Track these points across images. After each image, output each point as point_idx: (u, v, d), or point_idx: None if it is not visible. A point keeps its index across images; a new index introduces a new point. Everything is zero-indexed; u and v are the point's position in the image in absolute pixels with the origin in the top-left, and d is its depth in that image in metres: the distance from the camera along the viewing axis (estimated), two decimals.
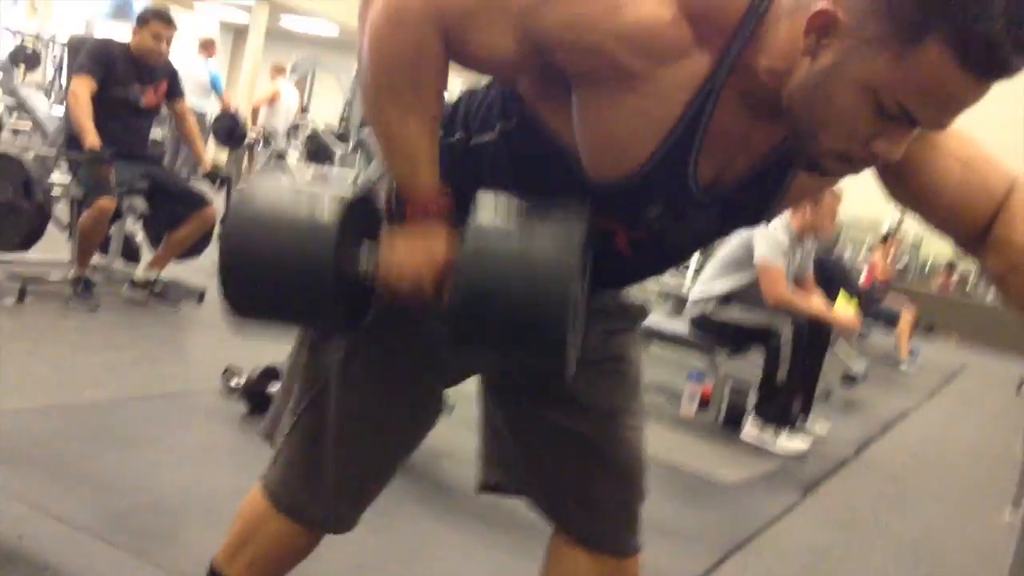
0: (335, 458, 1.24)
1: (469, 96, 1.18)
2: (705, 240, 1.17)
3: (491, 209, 1.01)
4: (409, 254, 1.05)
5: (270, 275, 1.05)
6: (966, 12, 0.83)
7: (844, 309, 4.30)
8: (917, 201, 1.13)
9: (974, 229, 1.10)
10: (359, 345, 1.21)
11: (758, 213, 1.13)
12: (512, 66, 1.02)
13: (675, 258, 1.23)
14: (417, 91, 1.03)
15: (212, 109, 8.95)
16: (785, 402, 4.01)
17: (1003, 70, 0.86)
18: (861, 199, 4.16)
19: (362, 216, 1.08)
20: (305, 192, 1.05)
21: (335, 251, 1.01)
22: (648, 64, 0.94)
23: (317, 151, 9.03)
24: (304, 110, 11.90)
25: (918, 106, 0.89)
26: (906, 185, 1.10)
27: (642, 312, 1.34)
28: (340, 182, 1.11)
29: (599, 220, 1.04)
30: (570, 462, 1.27)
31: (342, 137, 8.95)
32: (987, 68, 0.86)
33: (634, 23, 0.92)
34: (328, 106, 13.27)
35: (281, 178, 1.10)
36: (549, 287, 0.97)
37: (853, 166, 0.98)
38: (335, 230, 1.01)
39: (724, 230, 1.16)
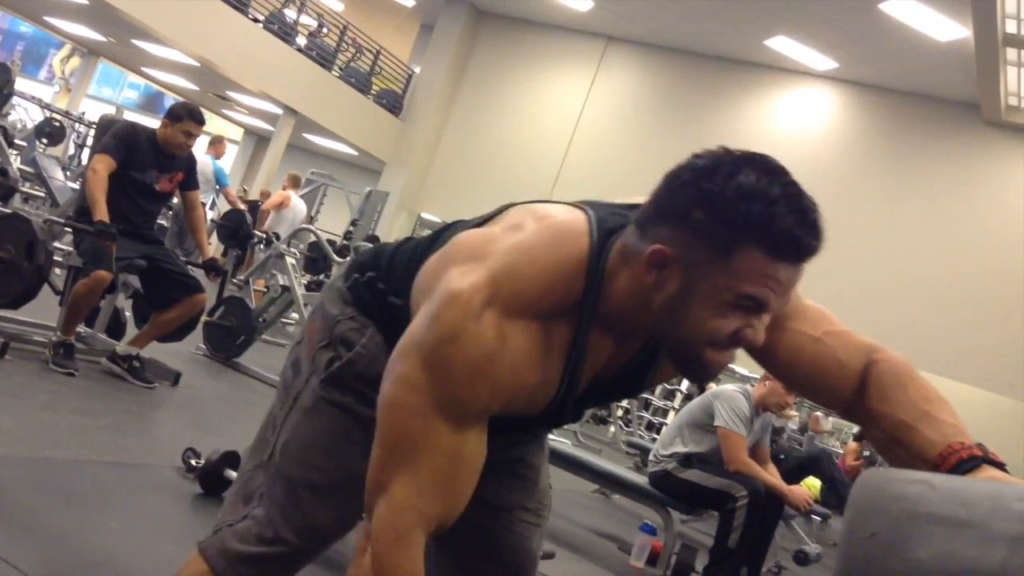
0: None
1: (396, 250, 1.36)
2: (597, 405, 1.39)
3: None
4: None
5: None
6: (761, 220, 1.03)
7: (802, 488, 4.39)
8: (781, 375, 1.31)
9: (839, 399, 1.25)
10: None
11: (632, 392, 1.35)
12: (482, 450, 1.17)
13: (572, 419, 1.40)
14: None
15: (217, 203, 9.26)
16: (734, 567, 4.04)
17: (807, 252, 1.06)
18: None
19: None
20: None
21: None
22: (535, 383, 1.14)
23: (316, 260, 9.22)
24: (311, 221, 12.20)
25: (759, 295, 1.06)
26: (768, 363, 1.27)
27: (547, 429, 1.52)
28: None
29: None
30: (466, 550, 1.42)
31: (341, 252, 9.16)
32: (795, 255, 1.06)
33: (522, 384, 1.12)
34: (334, 220, 13.61)
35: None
36: None
37: (727, 356, 1.12)
38: None
39: (607, 401, 1.40)
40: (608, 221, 1.16)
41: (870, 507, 0.83)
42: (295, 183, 10.96)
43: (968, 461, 1.09)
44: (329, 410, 1.34)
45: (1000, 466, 1.09)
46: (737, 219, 1.03)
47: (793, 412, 8.69)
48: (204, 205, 8.79)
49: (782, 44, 13.16)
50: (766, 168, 1.06)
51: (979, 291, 11.80)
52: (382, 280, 1.33)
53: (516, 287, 1.08)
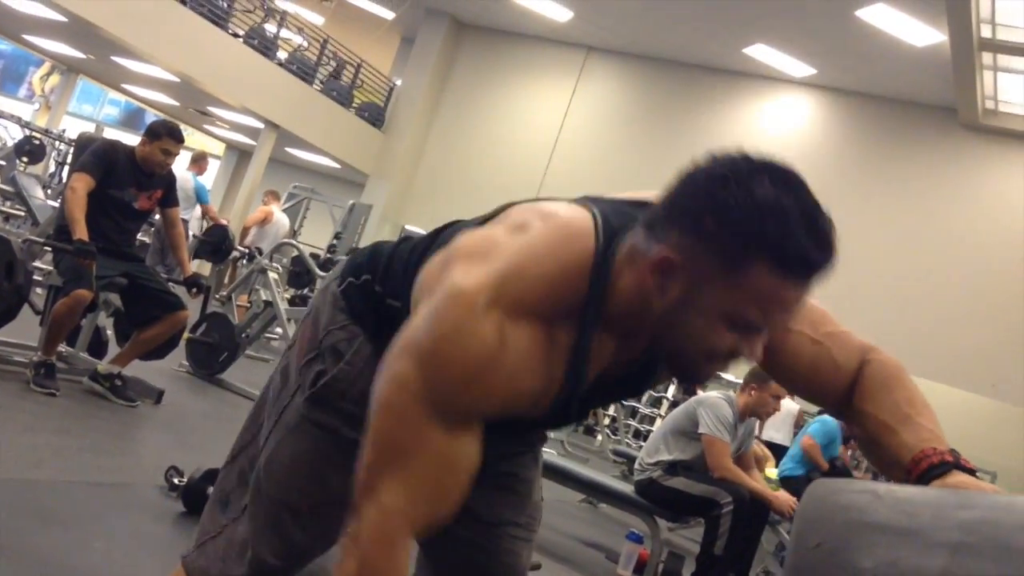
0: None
1: (394, 251, 1.34)
2: (604, 404, 1.37)
3: None
4: None
5: None
6: (774, 236, 1.00)
7: (787, 494, 4.41)
8: (778, 376, 1.31)
9: (833, 400, 1.27)
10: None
11: (638, 390, 1.34)
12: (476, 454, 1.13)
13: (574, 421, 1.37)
14: None
15: (196, 220, 9.24)
16: (721, 573, 4.05)
17: (817, 270, 1.04)
18: None
19: None
20: None
21: None
22: (534, 388, 1.11)
23: (299, 274, 9.21)
24: (295, 235, 12.19)
25: (759, 317, 1.05)
26: (767, 365, 1.27)
27: (543, 438, 1.49)
28: None
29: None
30: (457, 564, 1.41)
31: (324, 266, 9.15)
32: (805, 273, 1.04)
33: (519, 389, 1.09)
34: (318, 234, 13.59)
35: None
36: None
37: (723, 366, 1.12)
38: None
39: (613, 399, 1.38)
40: (613, 220, 1.13)
41: (817, 517, 0.84)
42: (276, 197, 10.95)
43: (939, 466, 1.11)
44: (312, 431, 1.32)
45: (971, 472, 1.11)
46: (749, 235, 1.01)
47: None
48: (186, 222, 8.79)
49: (760, 52, 13.25)
50: (783, 179, 1.04)
51: (957, 293, 11.90)
52: (379, 283, 1.31)
53: (521, 288, 1.06)
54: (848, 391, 1.24)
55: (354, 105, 15.83)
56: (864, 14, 10.93)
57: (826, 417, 6.69)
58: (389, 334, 1.14)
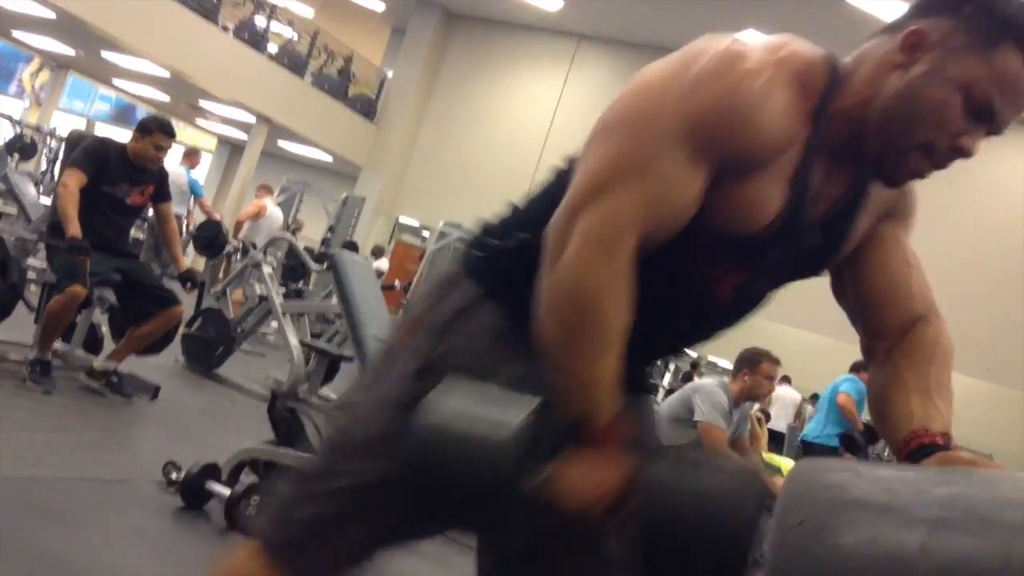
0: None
1: (529, 204, 1.24)
2: (777, 286, 1.26)
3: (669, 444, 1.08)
4: (584, 478, 1.06)
5: (450, 481, 1.06)
6: None
7: (782, 479, 4.43)
8: (854, 272, 1.26)
9: (879, 328, 1.25)
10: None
11: (824, 259, 1.25)
12: (697, 201, 1.09)
13: (750, 311, 1.27)
14: (614, 326, 1.06)
15: (193, 214, 9.22)
16: None
17: None
18: None
19: (537, 435, 1.05)
20: (487, 412, 1.04)
21: (511, 471, 1.01)
22: (778, 152, 1.10)
23: (294, 267, 9.20)
24: (290, 229, 12.16)
25: (998, 99, 1.08)
26: (864, 257, 1.25)
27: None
28: (519, 401, 1.06)
29: (715, 271, 1.17)
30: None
31: (319, 259, 9.16)
32: None
33: (770, 144, 1.08)
34: (312, 227, 13.57)
35: (465, 391, 1.08)
36: (728, 522, 1.00)
37: (934, 161, 1.12)
38: (511, 452, 1.01)
39: (796, 275, 1.25)
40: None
41: (800, 496, 0.86)
42: (269, 191, 10.92)
43: (928, 447, 1.12)
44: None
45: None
46: (1007, 17, 1.07)
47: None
48: (180, 217, 8.78)
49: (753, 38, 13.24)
50: None
51: (952, 277, 11.93)
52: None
53: (783, 57, 1.08)
54: (898, 331, 1.24)
55: (347, 97, 15.81)
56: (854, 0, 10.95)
57: (853, 376, 6.30)
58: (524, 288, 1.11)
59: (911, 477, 0.88)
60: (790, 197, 1.12)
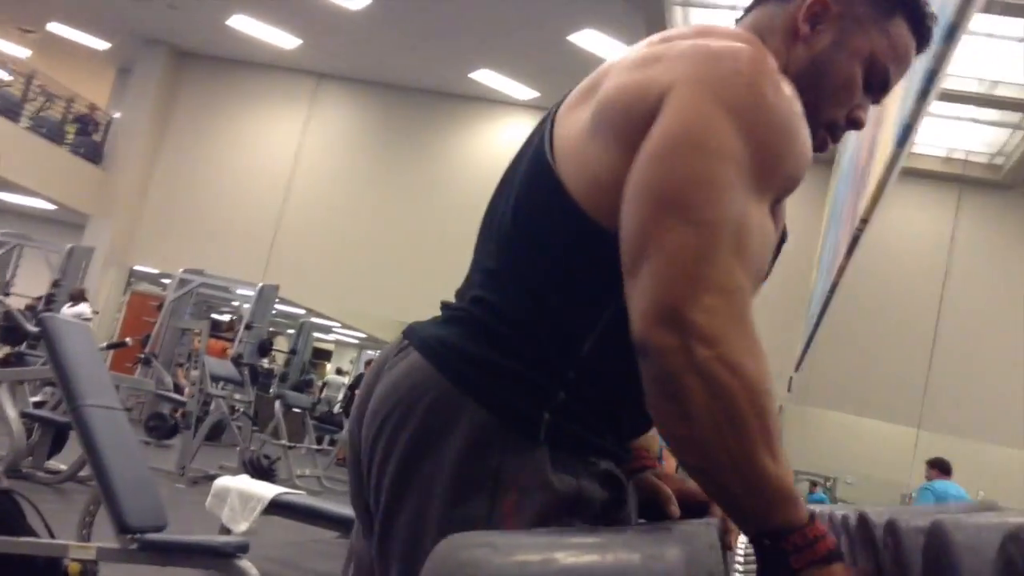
0: None
1: (517, 276, 1.11)
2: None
3: None
4: None
5: None
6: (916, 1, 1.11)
7: None
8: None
9: None
10: None
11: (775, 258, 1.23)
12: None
13: None
14: (774, 413, 0.92)
15: None
16: None
17: (927, 43, 1.15)
18: None
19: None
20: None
21: None
22: None
23: (11, 330, 8.45)
24: (5, 291, 11.11)
25: (894, 69, 1.12)
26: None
27: None
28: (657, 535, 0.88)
29: None
30: None
31: (39, 321, 8.48)
32: (925, 40, 1.14)
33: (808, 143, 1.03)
34: (34, 283, 12.53)
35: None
36: None
37: (835, 136, 1.14)
38: None
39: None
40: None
41: None
42: None
43: (642, 469, 1.18)
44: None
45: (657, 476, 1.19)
46: None
47: None
48: None
49: (486, 76, 13.70)
50: None
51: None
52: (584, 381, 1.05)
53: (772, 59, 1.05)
54: None
55: (67, 142, 14.78)
56: (575, 39, 11.59)
57: None
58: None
59: (546, 542, 0.90)
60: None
